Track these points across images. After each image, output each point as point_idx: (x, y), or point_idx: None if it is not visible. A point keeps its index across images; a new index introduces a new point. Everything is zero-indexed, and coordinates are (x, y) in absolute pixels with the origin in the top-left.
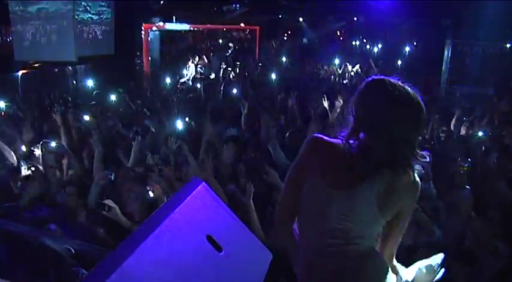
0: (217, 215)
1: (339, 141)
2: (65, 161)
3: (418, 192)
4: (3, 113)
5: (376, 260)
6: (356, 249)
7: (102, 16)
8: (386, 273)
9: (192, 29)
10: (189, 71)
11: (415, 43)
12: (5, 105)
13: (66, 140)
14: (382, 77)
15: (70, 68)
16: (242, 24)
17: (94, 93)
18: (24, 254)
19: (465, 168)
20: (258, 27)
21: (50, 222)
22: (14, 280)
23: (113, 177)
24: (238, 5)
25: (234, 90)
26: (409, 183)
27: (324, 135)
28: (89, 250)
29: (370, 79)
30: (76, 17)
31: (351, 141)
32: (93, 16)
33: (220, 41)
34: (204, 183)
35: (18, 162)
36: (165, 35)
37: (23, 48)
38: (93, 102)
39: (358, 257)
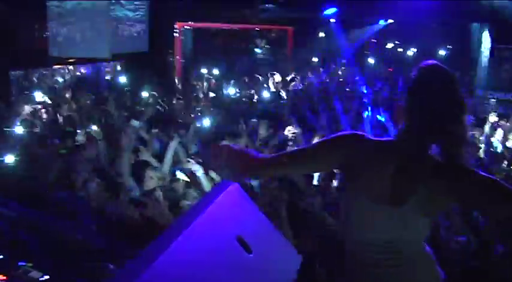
0: (248, 216)
1: (386, 138)
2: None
3: (474, 172)
4: (44, 108)
5: (421, 264)
6: (399, 257)
7: (137, 13)
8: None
9: (225, 28)
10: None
11: (448, 47)
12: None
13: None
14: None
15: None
16: (274, 25)
17: (125, 90)
18: (55, 247)
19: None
20: (291, 28)
21: (80, 214)
22: (43, 272)
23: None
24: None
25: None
26: (465, 170)
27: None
28: (117, 246)
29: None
30: (111, 13)
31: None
32: (128, 13)
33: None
34: (235, 183)
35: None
36: (198, 33)
37: (57, 44)
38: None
39: (401, 264)
